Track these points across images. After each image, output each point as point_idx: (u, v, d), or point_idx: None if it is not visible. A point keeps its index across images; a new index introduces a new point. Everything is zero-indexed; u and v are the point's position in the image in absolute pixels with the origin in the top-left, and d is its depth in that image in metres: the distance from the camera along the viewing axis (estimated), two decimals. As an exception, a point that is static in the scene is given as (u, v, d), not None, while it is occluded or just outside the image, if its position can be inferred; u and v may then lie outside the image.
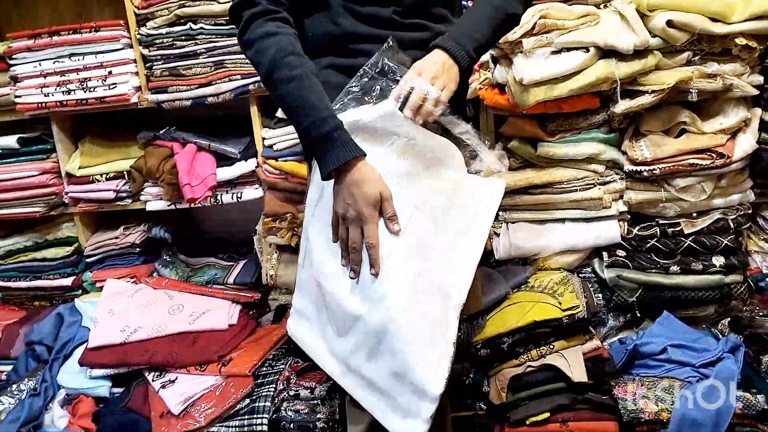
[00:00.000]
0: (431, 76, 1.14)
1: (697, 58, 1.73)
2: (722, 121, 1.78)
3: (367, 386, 1.21)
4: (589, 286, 1.88)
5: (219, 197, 2.14)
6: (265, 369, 1.87)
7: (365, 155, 1.13)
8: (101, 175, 2.21)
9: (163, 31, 2.03)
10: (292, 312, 1.39)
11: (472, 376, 1.76)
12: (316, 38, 1.25)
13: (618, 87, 1.73)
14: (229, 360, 1.87)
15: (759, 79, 1.75)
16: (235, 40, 2.00)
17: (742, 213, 1.84)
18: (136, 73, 2.13)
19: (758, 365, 1.61)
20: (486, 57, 1.88)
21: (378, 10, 1.22)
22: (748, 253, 1.88)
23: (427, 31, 1.25)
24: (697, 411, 1.56)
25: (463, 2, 1.48)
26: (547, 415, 1.64)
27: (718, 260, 1.82)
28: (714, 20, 1.67)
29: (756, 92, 1.76)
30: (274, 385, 1.78)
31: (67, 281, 2.31)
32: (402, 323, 1.12)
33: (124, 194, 2.22)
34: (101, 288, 2.22)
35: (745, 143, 1.76)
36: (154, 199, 2.20)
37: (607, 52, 1.75)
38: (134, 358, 1.90)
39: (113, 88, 2.10)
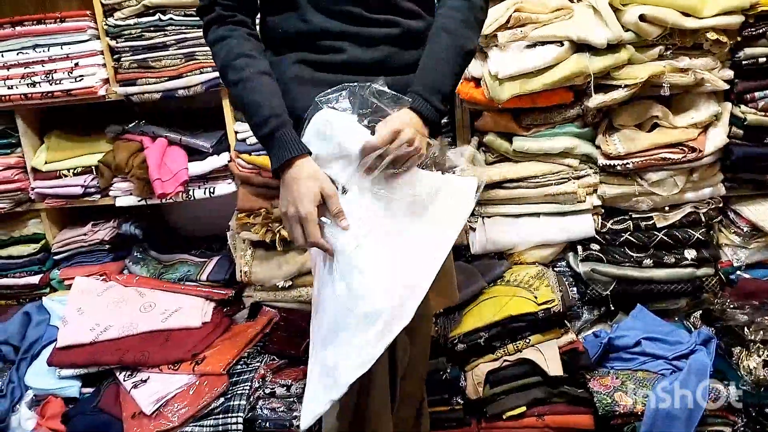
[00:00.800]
0: (407, 138, 1.13)
1: (669, 52, 1.75)
2: (694, 116, 1.80)
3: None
4: (564, 279, 1.90)
5: (191, 192, 2.11)
6: (240, 367, 1.85)
7: (309, 153, 1.15)
8: (68, 170, 2.16)
9: (131, 21, 1.99)
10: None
11: (448, 371, 1.76)
12: (287, 35, 1.25)
13: (592, 81, 1.74)
14: (202, 358, 1.84)
15: (729, 73, 1.78)
16: (206, 32, 1.96)
17: (713, 206, 1.87)
18: (104, 65, 2.08)
19: (729, 357, 1.64)
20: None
21: (348, 7, 1.21)
22: (719, 247, 1.91)
23: (397, 27, 1.24)
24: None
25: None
26: (523, 409, 1.65)
27: (690, 253, 1.85)
28: (686, 15, 1.69)
29: (726, 87, 1.78)
30: (249, 384, 1.76)
31: (35, 279, 2.25)
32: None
33: (92, 190, 2.17)
34: (70, 286, 2.17)
35: (716, 137, 1.78)
36: (123, 195, 2.15)
37: (580, 47, 1.76)
38: (105, 357, 1.87)
39: (80, 80, 2.05)
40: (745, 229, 1.85)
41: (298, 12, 1.22)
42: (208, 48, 1.90)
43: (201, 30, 1.89)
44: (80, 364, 1.88)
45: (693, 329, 1.81)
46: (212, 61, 1.92)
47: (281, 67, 1.24)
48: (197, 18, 1.91)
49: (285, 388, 1.75)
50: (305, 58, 1.23)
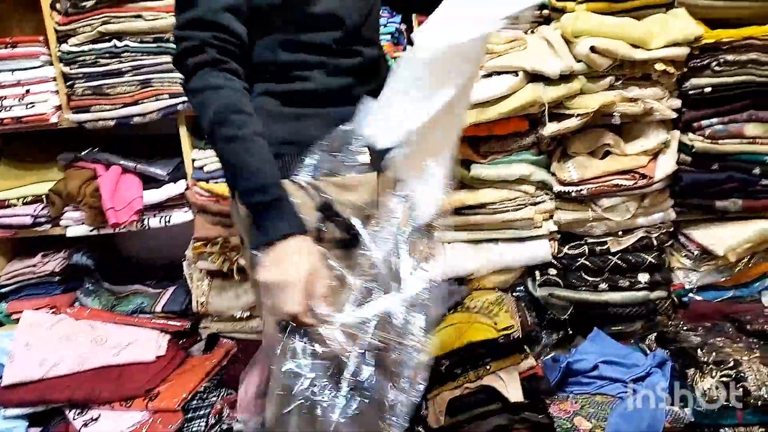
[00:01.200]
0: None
1: (619, 83, 1.80)
2: (643, 143, 1.85)
3: None
4: (523, 304, 1.91)
5: (146, 221, 2.06)
6: (195, 402, 1.79)
7: (305, 233, 1.08)
8: (18, 198, 2.10)
9: (86, 48, 1.95)
10: None
11: (410, 399, 1.74)
12: (256, 67, 1.21)
13: (546, 110, 1.78)
14: (156, 394, 1.78)
15: (677, 103, 1.84)
16: (162, 59, 1.94)
17: (664, 231, 1.92)
18: (57, 92, 2.03)
19: (684, 379, 1.66)
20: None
21: (318, 37, 1.20)
22: (671, 270, 1.96)
23: (359, 57, 1.25)
24: (629, 426, 1.60)
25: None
26: (485, 436, 1.64)
27: (644, 277, 1.89)
28: (635, 47, 1.74)
29: (674, 115, 1.84)
30: (205, 420, 1.71)
31: (-21, 314, 2.16)
32: None
33: (42, 219, 2.11)
34: (17, 320, 2.09)
35: (666, 164, 1.84)
36: (75, 224, 2.10)
37: (534, 77, 1.80)
38: (54, 394, 1.80)
39: (31, 107, 2.00)
40: (696, 253, 1.90)
41: (270, 42, 1.19)
42: (164, 75, 1.95)
43: (158, 57, 1.93)
44: (28, 403, 1.81)
45: (649, 351, 1.84)
46: (168, 88, 1.95)
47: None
48: (153, 44, 1.93)
49: (243, 423, 1.71)
50: (268, 89, 1.21)
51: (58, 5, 1.94)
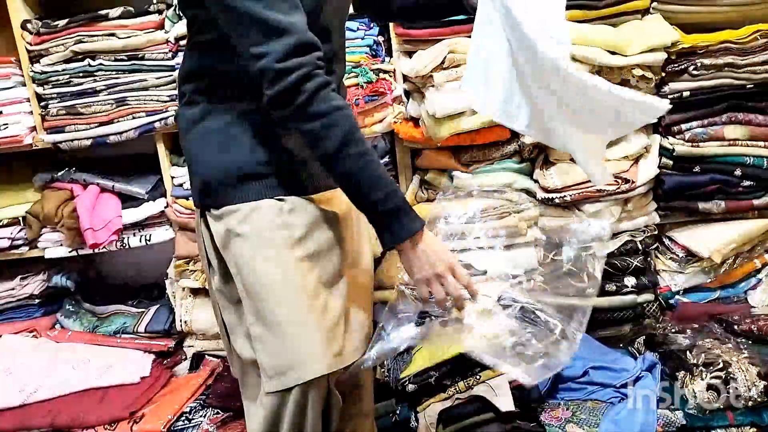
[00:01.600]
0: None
1: (598, 88, 1.81)
2: (625, 148, 1.86)
3: None
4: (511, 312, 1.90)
5: (126, 241, 2.03)
6: (181, 423, 1.77)
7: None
8: (-7, 222, 2.05)
9: (59, 68, 1.93)
10: None
11: (399, 412, 1.73)
12: (237, 80, 1.17)
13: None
14: (141, 416, 1.76)
15: (656, 107, 1.85)
16: (137, 77, 1.92)
17: (649, 234, 1.92)
18: (30, 113, 2.00)
19: (674, 381, 1.66)
20: (399, 91, 1.90)
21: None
22: (657, 273, 1.96)
23: (333, 75, 1.25)
24: (621, 431, 1.59)
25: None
26: (477, 447, 1.63)
27: (630, 281, 1.89)
28: (612, 53, 1.75)
29: (654, 120, 1.85)
30: (192, 440, 1.69)
31: (-43, 340, 2.11)
32: None
33: (19, 242, 2.07)
34: (-4, 345, 2.04)
35: (648, 168, 1.85)
36: (53, 246, 2.06)
37: (515, 84, 1.80)
38: (35, 420, 1.76)
39: (5, 128, 1.97)
40: (681, 255, 1.91)
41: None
42: (139, 93, 1.92)
43: (132, 75, 1.90)
44: (8, 430, 1.76)
45: (638, 355, 1.84)
46: (144, 106, 1.92)
47: (227, 116, 1.19)
48: (128, 63, 1.91)
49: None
50: (257, 108, 1.16)
51: (29, 25, 1.91)
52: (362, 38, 1.89)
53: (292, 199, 1.20)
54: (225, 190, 1.19)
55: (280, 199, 1.19)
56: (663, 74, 1.81)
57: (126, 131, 1.95)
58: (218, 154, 1.20)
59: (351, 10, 1.34)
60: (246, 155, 1.18)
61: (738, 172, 1.84)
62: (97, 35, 1.90)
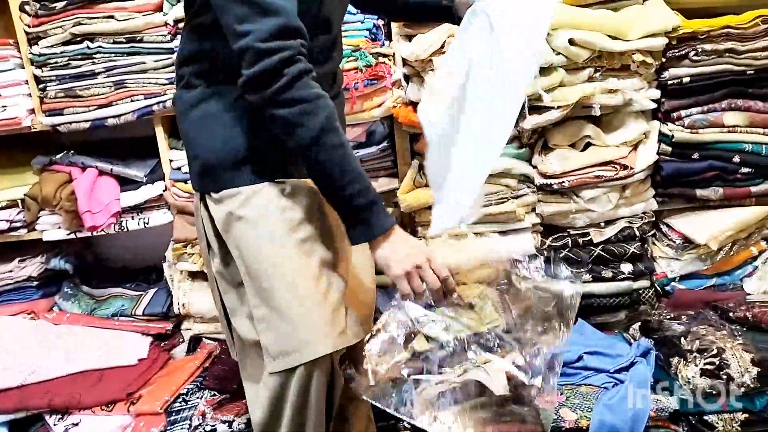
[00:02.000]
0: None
1: (598, 74, 1.80)
2: (624, 134, 1.85)
3: None
4: (507, 297, 1.91)
5: (124, 224, 2.04)
6: (178, 404, 1.78)
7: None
8: (-8, 204, 2.06)
9: (58, 50, 1.92)
10: None
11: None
12: (237, 64, 1.15)
13: (526, 103, 1.77)
14: (138, 397, 1.77)
15: (656, 93, 1.84)
16: (136, 59, 1.92)
17: (646, 221, 1.92)
18: (29, 95, 2.00)
19: (668, 367, 1.67)
20: (398, 75, 1.89)
21: (311, 43, 1.17)
22: (653, 259, 1.97)
23: (331, 63, 1.26)
24: (614, 416, 1.60)
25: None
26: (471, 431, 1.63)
27: (627, 267, 1.89)
28: (613, 38, 1.74)
29: (654, 106, 1.85)
30: (188, 421, 1.69)
31: (-45, 321, 2.12)
32: None
33: (18, 224, 2.07)
34: (-6, 327, 2.05)
35: (646, 154, 1.84)
36: (52, 228, 2.07)
37: (514, 69, 1.80)
38: (33, 401, 1.77)
39: (3, 111, 1.96)
40: (678, 242, 1.91)
41: None
42: (138, 75, 1.92)
43: (131, 57, 1.90)
44: (6, 410, 1.77)
45: (633, 341, 1.84)
46: (143, 89, 1.92)
47: (225, 100, 1.19)
48: (126, 45, 1.90)
49: (227, 424, 1.69)
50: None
51: (27, 7, 1.90)
52: (362, 21, 1.88)
53: (291, 181, 1.21)
54: (224, 173, 1.20)
55: (279, 182, 1.19)
56: (663, 59, 1.80)
57: (124, 114, 1.94)
58: (217, 138, 1.20)
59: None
60: (244, 139, 1.19)
61: (737, 159, 1.84)
62: (95, 17, 1.89)
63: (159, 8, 1.90)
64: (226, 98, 1.19)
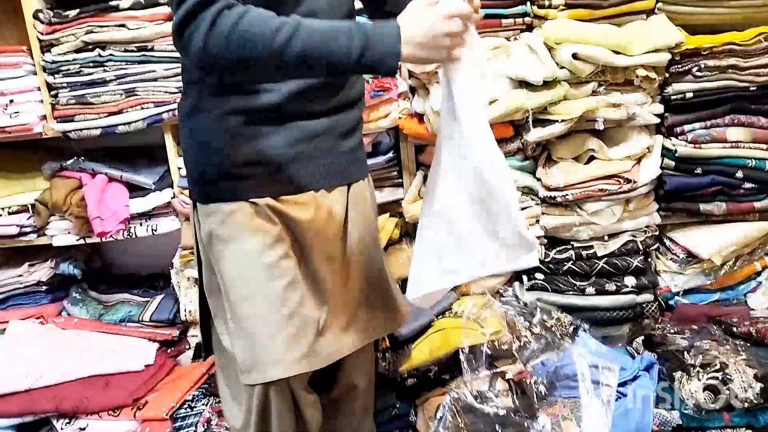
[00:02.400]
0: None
1: (602, 88, 1.82)
2: (627, 148, 1.87)
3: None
4: (511, 309, 1.92)
5: (132, 230, 2.05)
6: (184, 411, 1.79)
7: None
8: (3, 209, 2.07)
9: (70, 57, 1.94)
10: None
11: (398, 406, 1.75)
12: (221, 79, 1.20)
13: (530, 116, 1.79)
14: (144, 403, 1.78)
15: (659, 108, 1.86)
16: (146, 68, 1.94)
17: (649, 235, 1.93)
18: (41, 102, 2.02)
19: (671, 381, 1.68)
20: (404, 87, 1.91)
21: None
22: (657, 273, 1.97)
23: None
24: (617, 429, 1.61)
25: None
26: (474, 442, 1.64)
27: (630, 281, 1.90)
28: (616, 53, 1.76)
29: (657, 120, 1.86)
30: (194, 428, 1.71)
31: (-35, 324, 2.14)
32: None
33: (28, 229, 2.09)
34: (3, 330, 2.07)
35: (650, 169, 1.85)
36: (61, 234, 2.08)
37: (518, 83, 1.81)
38: (41, 405, 1.79)
39: (15, 116, 1.98)
40: (681, 256, 1.92)
41: None
42: (148, 83, 1.94)
43: (142, 65, 1.92)
44: (14, 414, 1.80)
45: (636, 355, 1.85)
46: (152, 97, 1.95)
47: (210, 115, 1.21)
48: (137, 54, 1.93)
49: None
50: (235, 107, 1.19)
51: (40, 15, 1.93)
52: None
53: (266, 201, 1.22)
54: (204, 187, 1.25)
55: (253, 203, 1.22)
56: (667, 75, 1.81)
57: (134, 121, 1.97)
58: (199, 153, 1.25)
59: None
60: (224, 156, 1.21)
61: (740, 174, 1.85)
62: (107, 26, 1.91)
63: (170, 18, 1.92)
64: (212, 112, 1.21)
